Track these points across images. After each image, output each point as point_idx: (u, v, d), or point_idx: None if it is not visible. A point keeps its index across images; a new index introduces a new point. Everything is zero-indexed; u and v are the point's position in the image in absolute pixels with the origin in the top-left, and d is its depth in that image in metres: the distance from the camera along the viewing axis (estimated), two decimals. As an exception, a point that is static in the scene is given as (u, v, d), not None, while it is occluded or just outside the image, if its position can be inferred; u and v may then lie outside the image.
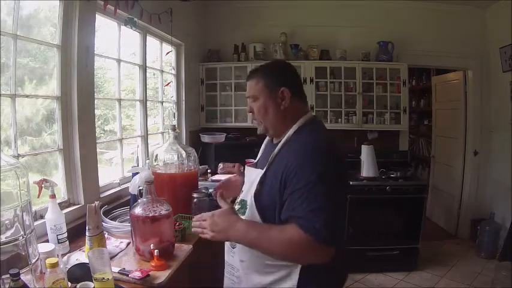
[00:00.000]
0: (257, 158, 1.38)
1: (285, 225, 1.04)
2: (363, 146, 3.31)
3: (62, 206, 1.66)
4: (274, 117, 1.21)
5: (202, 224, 1.15)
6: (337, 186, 1.09)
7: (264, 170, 1.17)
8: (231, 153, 3.34)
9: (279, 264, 1.12)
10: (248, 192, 1.21)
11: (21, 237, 1.00)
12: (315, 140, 1.15)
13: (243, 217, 1.17)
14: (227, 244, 1.29)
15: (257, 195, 1.16)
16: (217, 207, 1.59)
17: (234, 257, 1.24)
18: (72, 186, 1.76)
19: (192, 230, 1.21)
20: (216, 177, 2.99)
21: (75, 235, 1.54)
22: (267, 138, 1.38)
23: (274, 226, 1.08)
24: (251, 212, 1.17)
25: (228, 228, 1.10)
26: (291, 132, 1.18)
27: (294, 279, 1.10)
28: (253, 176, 1.23)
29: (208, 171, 3.11)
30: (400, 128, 3.73)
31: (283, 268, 1.12)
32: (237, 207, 1.25)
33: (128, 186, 1.76)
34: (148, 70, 2.70)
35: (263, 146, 1.39)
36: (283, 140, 1.19)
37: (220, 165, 3.19)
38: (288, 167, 1.07)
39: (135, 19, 2.26)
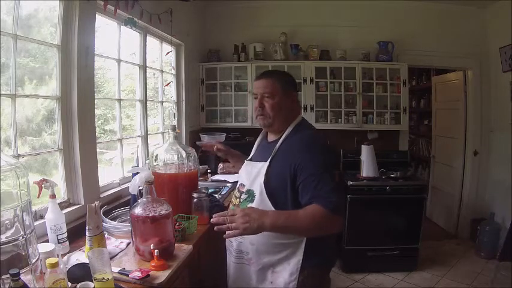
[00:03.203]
0: (251, 154, 1.60)
1: (307, 207, 1.24)
2: (363, 146, 3.31)
3: (62, 206, 1.66)
4: (284, 115, 1.43)
5: (231, 218, 1.21)
6: (333, 169, 1.37)
7: (268, 162, 1.38)
8: (231, 153, 3.34)
9: (286, 242, 1.32)
10: (254, 183, 1.40)
11: (21, 237, 1.00)
12: (312, 136, 1.42)
13: (251, 204, 1.36)
14: None
15: (266, 183, 1.35)
16: (217, 206, 1.63)
17: (244, 242, 1.40)
18: (72, 186, 1.75)
19: (216, 228, 1.25)
20: (216, 177, 3.00)
21: (75, 235, 1.53)
22: (260, 137, 1.63)
23: (297, 210, 1.26)
24: (261, 199, 1.35)
25: (261, 217, 1.21)
26: (289, 129, 1.43)
27: (300, 254, 1.31)
28: (255, 168, 1.43)
29: (208, 171, 3.11)
30: (400, 128, 3.73)
31: (290, 246, 1.32)
32: (243, 196, 1.43)
33: (128, 186, 1.76)
34: (148, 70, 2.70)
35: (256, 145, 1.63)
36: (283, 136, 1.42)
37: (220, 165, 3.19)
38: (296, 158, 1.30)
39: (135, 19, 2.26)
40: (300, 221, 1.22)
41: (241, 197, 1.45)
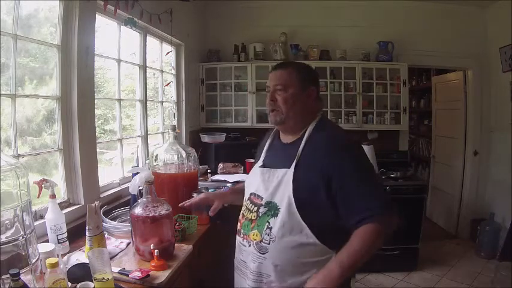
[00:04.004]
0: (262, 158, 1.37)
1: (359, 230, 1.09)
2: (362, 146, 3.30)
3: (62, 206, 1.66)
4: (299, 111, 1.27)
5: None
6: (369, 163, 1.22)
7: (293, 168, 1.19)
8: (231, 153, 3.35)
9: (314, 260, 1.16)
10: (276, 194, 1.21)
11: (21, 237, 1.00)
12: (341, 135, 1.27)
13: (275, 219, 1.18)
14: (254, 252, 1.22)
15: (295, 194, 1.16)
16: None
17: (265, 263, 1.20)
18: (72, 186, 1.75)
19: None
20: (216, 177, 3.00)
21: (75, 235, 1.54)
22: (270, 139, 1.41)
23: (350, 241, 1.09)
24: (288, 213, 1.16)
25: (327, 276, 1.06)
26: (310, 128, 1.26)
27: None
28: (275, 177, 1.23)
29: (208, 171, 3.11)
30: (400, 128, 3.73)
31: (318, 265, 1.14)
32: (262, 210, 1.22)
33: (128, 186, 1.76)
34: (148, 70, 2.69)
35: (266, 147, 1.40)
36: (306, 136, 1.24)
37: (220, 165, 3.20)
38: (327, 162, 1.15)
39: (135, 19, 2.26)
40: (362, 250, 1.07)
41: (259, 210, 1.23)
